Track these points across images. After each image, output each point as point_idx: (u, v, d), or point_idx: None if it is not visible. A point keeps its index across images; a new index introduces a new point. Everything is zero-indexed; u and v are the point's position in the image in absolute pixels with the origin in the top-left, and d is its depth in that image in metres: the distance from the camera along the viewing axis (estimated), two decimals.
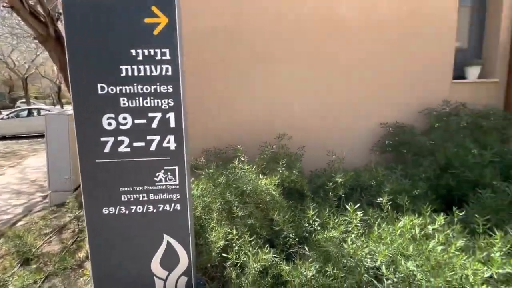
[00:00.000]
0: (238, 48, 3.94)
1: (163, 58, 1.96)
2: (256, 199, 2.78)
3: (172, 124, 2.03)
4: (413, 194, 2.93)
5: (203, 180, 3.08)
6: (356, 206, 2.40)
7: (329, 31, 4.03)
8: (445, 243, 2.05)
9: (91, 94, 1.94)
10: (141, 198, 2.09)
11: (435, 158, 3.47)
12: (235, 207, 2.63)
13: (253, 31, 3.93)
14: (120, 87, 1.96)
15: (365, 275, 2.01)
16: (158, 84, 1.98)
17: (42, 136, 7.45)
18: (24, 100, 26.63)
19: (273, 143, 3.69)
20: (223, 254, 2.34)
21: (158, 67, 1.97)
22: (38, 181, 7.15)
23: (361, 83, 4.16)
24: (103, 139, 1.99)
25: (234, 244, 2.41)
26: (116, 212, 2.09)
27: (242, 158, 3.34)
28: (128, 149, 2.02)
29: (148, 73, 1.96)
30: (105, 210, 2.08)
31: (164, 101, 2.00)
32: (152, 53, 1.95)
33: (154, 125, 2.02)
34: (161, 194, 2.10)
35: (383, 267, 1.90)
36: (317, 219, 2.54)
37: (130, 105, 1.98)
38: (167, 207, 2.12)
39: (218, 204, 2.69)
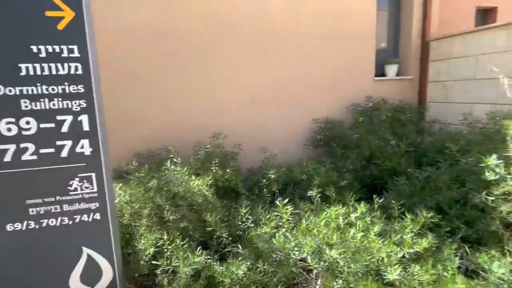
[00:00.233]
0: (171, 45, 3.79)
1: (71, 55, 1.79)
2: (189, 201, 2.71)
3: (86, 127, 1.87)
4: (340, 185, 3.11)
5: (132, 185, 2.91)
6: (286, 201, 2.47)
7: (259, 30, 4.08)
8: (364, 229, 2.20)
9: None
10: (53, 210, 1.89)
11: (361, 151, 3.73)
12: (166, 211, 2.53)
13: (185, 28, 3.82)
14: (20, 88, 1.74)
15: (294, 267, 2.08)
16: (66, 84, 1.80)
17: None
18: None
19: (208, 142, 3.63)
20: (153, 262, 2.24)
21: (66, 65, 1.79)
22: None
23: (293, 82, 4.30)
24: (1, 147, 1.76)
25: (165, 250, 2.32)
26: (24, 228, 1.87)
27: (175, 160, 3.23)
28: (34, 157, 1.81)
29: (53, 72, 1.78)
30: (9, 227, 1.84)
31: (75, 103, 1.83)
32: (58, 50, 1.76)
33: (65, 129, 1.84)
34: (77, 204, 1.92)
35: (309, 258, 1.97)
36: (250, 217, 2.55)
37: (34, 107, 1.77)
38: (85, 218, 1.95)
39: (148, 209, 2.56)
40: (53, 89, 1.79)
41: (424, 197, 2.86)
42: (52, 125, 1.82)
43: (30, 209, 1.85)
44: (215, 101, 4.04)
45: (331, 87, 4.49)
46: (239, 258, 2.11)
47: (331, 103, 4.51)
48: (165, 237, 2.32)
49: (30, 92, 1.76)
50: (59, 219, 1.91)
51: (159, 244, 2.35)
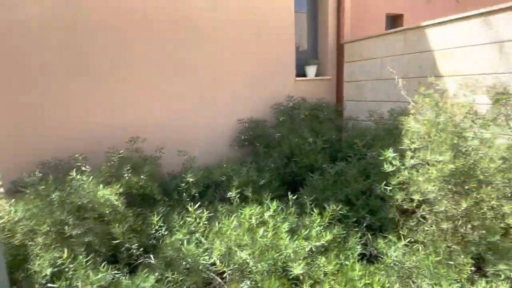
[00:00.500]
0: (78, 40, 3.46)
1: None
2: (96, 213, 2.50)
3: None
4: (260, 184, 3.15)
5: (29, 199, 2.59)
6: (206, 204, 2.42)
7: (178, 31, 3.96)
8: (275, 228, 2.25)
9: None
10: None
11: (282, 149, 3.84)
12: (67, 226, 2.30)
13: (96, 22, 3.52)
14: None
15: (206, 272, 2.04)
16: None
17: None
18: None
19: (125, 147, 3.41)
20: (50, 284, 2.01)
21: None
22: None
23: (216, 83, 4.26)
24: None
25: (66, 269, 2.10)
26: None
27: (84, 168, 2.96)
28: None
29: None
30: None
31: None
32: None
33: None
34: None
35: (218, 262, 1.95)
36: (163, 224, 2.44)
37: None
38: None
39: (45, 225, 2.30)
40: None
41: (335, 190, 3.04)
42: None
43: None
44: (133, 103, 3.81)
45: (255, 87, 4.56)
46: (147, 269, 1.99)
47: (256, 103, 4.57)
48: (65, 254, 2.10)
49: None
50: None
51: (58, 263, 2.12)
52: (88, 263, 2.13)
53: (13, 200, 2.58)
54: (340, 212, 2.67)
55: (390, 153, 2.72)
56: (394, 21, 8.17)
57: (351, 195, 2.95)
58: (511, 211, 2.07)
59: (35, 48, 3.29)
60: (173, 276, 1.96)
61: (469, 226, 2.22)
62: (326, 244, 2.26)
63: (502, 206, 2.12)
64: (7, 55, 3.17)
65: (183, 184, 2.99)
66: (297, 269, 1.89)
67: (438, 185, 2.34)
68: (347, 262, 2.13)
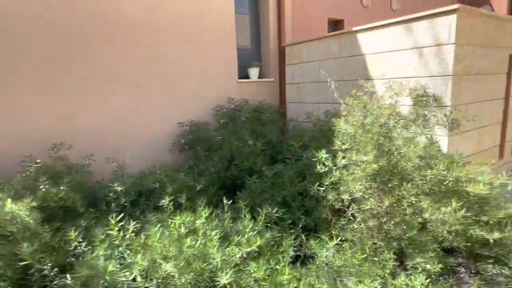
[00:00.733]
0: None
1: None
2: (3, 231, 2.20)
3: None
4: (196, 190, 3.04)
5: None
6: (127, 216, 2.25)
7: (112, 33, 3.70)
8: (205, 236, 2.16)
9: None
10: None
11: (223, 152, 3.76)
12: None
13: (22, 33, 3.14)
14: None
15: None
16: None
17: None
18: None
19: (48, 155, 3.09)
20: None
21: None
22: None
23: (153, 86, 4.05)
24: None
25: None
26: None
27: None
28: None
29: None
30: None
31: None
32: None
33: None
34: None
35: (138, 278, 1.81)
36: (82, 240, 2.23)
37: None
38: None
39: None
40: None
41: (273, 193, 3.04)
42: None
43: None
44: (61, 107, 3.46)
45: (196, 89, 4.43)
46: None
47: (197, 106, 4.44)
48: None
49: None
50: None
51: None
52: None
53: None
54: (276, 214, 2.67)
55: (322, 154, 2.78)
56: (335, 25, 8.54)
57: (288, 196, 2.96)
58: (428, 206, 2.20)
59: None
60: None
61: (392, 222, 2.32)
62: (258, 250, 2.23)
63: (420, 202, 2.26)
64: None
65: (111, 194, 2.77)
66: (224, 279, 1.82)
67: (364, 184, 2.43)
68: (277, 266, 2.11)
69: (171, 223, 2.28)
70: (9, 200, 2.28)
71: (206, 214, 2.34)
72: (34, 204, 2.32)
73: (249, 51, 5.35)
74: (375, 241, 2.38)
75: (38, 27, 3.28)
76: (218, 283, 1.85)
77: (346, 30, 3.97)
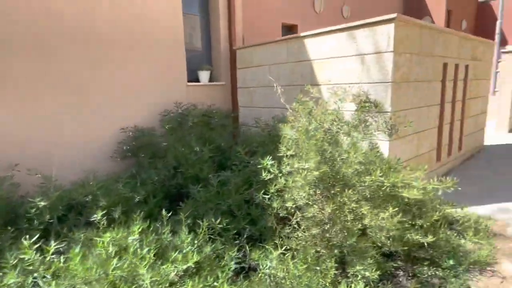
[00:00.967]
0: None
1: None
2: None
3: None
4: (135, 201, 2.83)
5: None
6: (38, 235, 1.99)
7: (49, 31, 3.34)
8: (136, 253, 1.98)
9: None
10: None
11: (168, 159, 3.56)
12: None
13: None
14: None
15: None
16: None
17: None
18: None
19: None
20: None
21: None
22: None
23: (94, 89, 3.74)
24: None
25: None
26: None
27: None
28: None
29: None
30: None
31: None
32: None
33: None
34: None
35: None
36: None
37: None
38: None
39: None
40: None
41: (219, 201, 2.91)
42: None
43: None
44: None
45: (142, 93, 4.17)
46: None
47: (142, 110, 4.18)
48: None
49: None
50: None
51: None
52: None
53: None
54: (220, 225, 2.55)
55: (268, 161, 2.71)
56: (289, 30, 8.66)
57: (233, 205, 2.85)
58: (367, 212, 2.22)
59: None
60: None
61: (334, 229, 2.31)
62: (197, 265, 2.09)
63: (361, 208, 2.27)
64: None
65: (33, 210, 2.46)
66: None
67: (308, 192, 2.39)
68: (216, 284, 1.98)
69: (100, 241, 2.06)
70: None
71: (140, 229, 2.15)
72: None
73: (200, 53, 5.19)
74: (319, 249, 2.35)
75: None
76: None
77: (294, 35, 3.98)
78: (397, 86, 3.18)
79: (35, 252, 1.92)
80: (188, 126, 3.94)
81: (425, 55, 3.56)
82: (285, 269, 2.13)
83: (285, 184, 2.51)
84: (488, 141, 6.49)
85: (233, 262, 2.22)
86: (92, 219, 2.46)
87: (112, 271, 1.80)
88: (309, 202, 2.49)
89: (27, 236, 1.90)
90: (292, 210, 2.55)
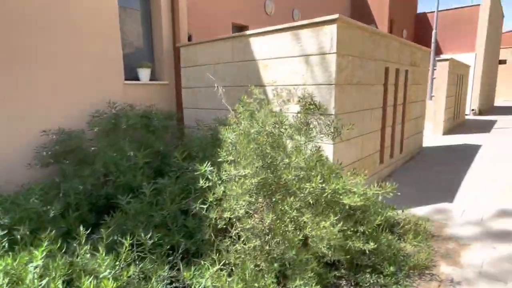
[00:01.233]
0: None
1: None
2: None
3: None
4: (50, 217, 2.42)
5: None
6: None
7: None
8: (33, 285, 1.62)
9: None
10: None
11: (97, 166, 3.16)
12: None
13: None
14: None
15: None
16: None
17: None
18: None
19: None
20: None
21: None
22: None
23: (9, 84, 3.21)
24: None
25: None
26: None
27: None
28: None
29: None
30: None
31: None
32: None
33: None
34: None
35: None
36: None
37: None
38: None
39: None
40: None
41: (152, 213, 2.61)
42: None
43: None
44: None
45: (70, 91, 3.69)
46: None
47: (70, 110, 3.70)
48: None
49: None
50: None
51: None
52: None
53: None
54: (151, 240, 2.27)
55: (207, 167, 2.48)
56: (240, 31, 8.49)
57: (168, 217, 2.57)
58: (308, 220, 2.09)
59: None
60: None
61: (274, 241, 2.15)
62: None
63: (302, 216, 2.13)
64: None
65: None
66: None
67: (247, 200, 2.21)
68: None
69: None
70: None
71: (46, 252, 1.79)
72: None
73: (141, 50, 4.79)
74: (259, 263, 2.16)
75: None
76: None
77: (239, 34, 3.79)
78: (341, 88, 3.13)
79: None
80: (123, 129, 3.56)
81: (368, 58, 3.59)
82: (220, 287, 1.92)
83: (224, 192, 2.30)
84: (426, 143, 6.89)
85: (163, 283, 1.95)
86: None
87: None
88: (250, 211, 2.31)
89: None
90: (233, 220, 2.36)
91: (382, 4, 14.12)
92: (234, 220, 2.28)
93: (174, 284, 2.14)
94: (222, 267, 2.16)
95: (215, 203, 2.40)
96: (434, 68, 8.38)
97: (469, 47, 14.13)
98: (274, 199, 2.26)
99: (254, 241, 2.16)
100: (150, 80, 4.62)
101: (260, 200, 2.32)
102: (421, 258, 2.39)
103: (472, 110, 13.42)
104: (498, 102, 22.42)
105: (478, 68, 13.16)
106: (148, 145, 3.48)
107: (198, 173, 2.46)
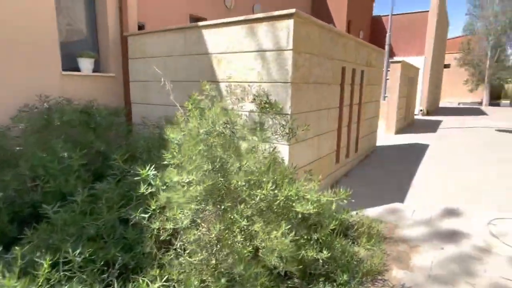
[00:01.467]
0: None
1: None
2: None
3: None
4: None
5: None
6: None
7: None
8: None
9: None
10: None
11: (22, 169, 2.74)
12: None
13: None
14: None
15: None
16: None
17: None
18: None
19: None
20: None
21: None
22: None
23: None
24: None
25: None
26: None
27: None
28: None
29: None
30: None
31: None
32: None
33: None
34: None
35: None
36: None
37: None
38: None
39: None
40: None
41: (85, 224, 2.29)
42: None
43: None
44: None
45: None
46: None
47: None
48: None
49: None
50: None
51: None
52: None
53: None
54: (82, 256, 1.97)
55: (150, 171, 2.22)
56: None
57: (104, 228, 2.27)
58: (259, 230, 1.93)
59: None
60: None
61: (222, 254, 1.96)
62: None
63: (253, 225, 1.97)
64: None
65: None
66: None
67: (193, 209, 1.99)
68: None
69: None
70: None
71: None
72: None
73: (84, 38, 4.32)
74: (204, 278, 1.96)
75: None
76: None
77: (192, 24, 3.53)
78: (297, 87, 3.01)
79: None
80: (57, 126, 3.15)
81: (325, 57, 3.51)
82: None
83: (167, 199, 2.06)
84: (380, 142, 7.11)
85: None
86: None
87: None
88: (198, 220, 2.10)
89: None
90: (178, 230, 2.13)
91: (340, 5, 14.47)
92: (179, 230, 2.06)
93: None
94: (164, 283, 1.94)
95: (158, 211, 2.16)
96: (388, 69, 8.70)
97: (419, 50, 14.98)
98: (223, 207, 2.07)
99: (199, 254, 1.96)
100: (94, 71, 4.18)
101: (209, 207, 2.11)
102: (374, 263, 2.34)
103: (421, 110, 14.27)
104: (443, 103, 24.18)
105: (427, 71, 14.00)
106: (87, 145, 3.11)
107: (139, 178, 2.20)
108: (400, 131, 9.01)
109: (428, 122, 11.65)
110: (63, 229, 2.21)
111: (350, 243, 2.62)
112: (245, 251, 1.89)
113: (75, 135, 3.27)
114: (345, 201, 1.95)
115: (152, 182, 2.18)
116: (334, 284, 2.14)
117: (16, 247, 1.84)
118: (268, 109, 2.88)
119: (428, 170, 5.04)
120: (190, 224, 2.03)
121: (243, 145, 2.39)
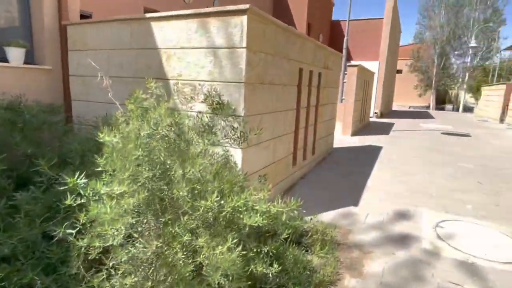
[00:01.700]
0: None
1: None
2: None
3: None
4: None
5: None
6: None
7: None
8: None
9: None
10: None
11: None
12: None
13: None
14: None
15: None
16: None
17: None
18: None
19: None
20: None
21: None
22: None
23: None
24: None
25: None
26: None
27: None
28: None
29: None
30: None
31: None
32: None
33: None
34: None
35: None
36: None
37: None
38: None
39: None
40: None
41: (1, 241, 1.94)
42: None
43: None
44: None
45: None
46: None
47: None
48: None
49: None
50: None
51: None
52: None
53: None
54: None
55: (80, 179, 1.93)
56: None
57: (21, 246, 1.94)
58: (203, 244, 1.74)
59: None
60: None
61: (160, 274, 1.74)
62: None
63: (196, 239, 1.77)
64: None
65: None
66: None
67: (127, 223, 1.75)
68: None
69: None
70: None
71: None
72: None
73: (15, 25, 3.81)
74: None
75: None
76: None
77: (139, 16, 3.22)
78: (252, 87, 2.86)
79: None
80: None
81: (282, 57, 3.40)
82: None
83: (98, 213, 1.79)
84: (336, 143, 7.22)
85: None
86: None
87: None
88: (135, 235, 1.85)
89: None
90: (110, 248, 1.86)
91: (301, 7, 14.65)
92: (110, 248, 1.80)
93: None
94: None
95: (89, 225, 1.88)
96: (345, 73, 8.91)
97: (374, 55, 15.65)
98: (163, 220, 1.85)
99: (133, 275, 1.72)
100: (26, 63, 3.70)
101: (148, 220, 1.88)
102: (327, 273, 2.25)
103: (375, 113, 14.91)
104: (395, 107, 25.58)
105: (381, 75, 14.65)
106: (10, 147, 2.70)
107: (66, 187, 1.90)
108: (356, 133, 9.27)
109: (382, 124, 12.16)
110: None
111: (304, 251, 2.52)
112: (187, 270, 1.69)
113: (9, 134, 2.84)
114: (295, 211, 1.82)
115: (82, 192, 1.90)
116: None
117: None
118: (220, 110, 2.69)
119: (381, 173, 5.17)
120: (125, 240, 1.79)
121: (191, 150, 2.18)
